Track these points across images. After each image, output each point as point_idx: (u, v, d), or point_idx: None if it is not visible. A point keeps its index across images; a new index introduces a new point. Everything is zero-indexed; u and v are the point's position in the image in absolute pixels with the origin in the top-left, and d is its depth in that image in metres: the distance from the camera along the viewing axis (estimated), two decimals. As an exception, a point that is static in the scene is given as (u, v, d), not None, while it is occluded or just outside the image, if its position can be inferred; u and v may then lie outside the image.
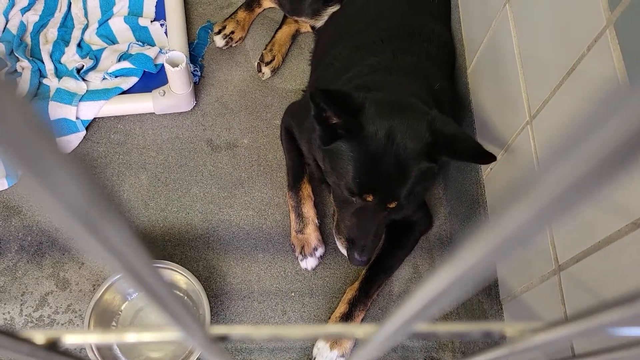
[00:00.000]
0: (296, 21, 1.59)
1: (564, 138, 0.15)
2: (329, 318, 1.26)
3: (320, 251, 1.30)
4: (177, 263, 1.22)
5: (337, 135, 0.97)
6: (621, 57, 0.71)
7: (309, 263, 1.30)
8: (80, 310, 1.25)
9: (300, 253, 1.30)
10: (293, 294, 1.30)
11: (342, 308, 1.24)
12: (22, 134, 0.14)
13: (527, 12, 0.98)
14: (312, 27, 1.59)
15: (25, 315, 1.24)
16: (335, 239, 1.16)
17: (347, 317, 1.23)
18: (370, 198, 1.01)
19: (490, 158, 0.93)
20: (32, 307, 1.25)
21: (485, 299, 1.17)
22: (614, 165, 0.14)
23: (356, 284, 1.26)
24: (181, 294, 1.24)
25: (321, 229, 1.33)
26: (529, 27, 0.97)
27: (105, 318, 1.19)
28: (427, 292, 0.21)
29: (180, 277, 1.21)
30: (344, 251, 1.14)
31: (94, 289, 1.26)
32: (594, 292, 0.79)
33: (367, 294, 1.25)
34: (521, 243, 0.18)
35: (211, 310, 1.18)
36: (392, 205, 1.02)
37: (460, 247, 0.18)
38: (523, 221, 0.17)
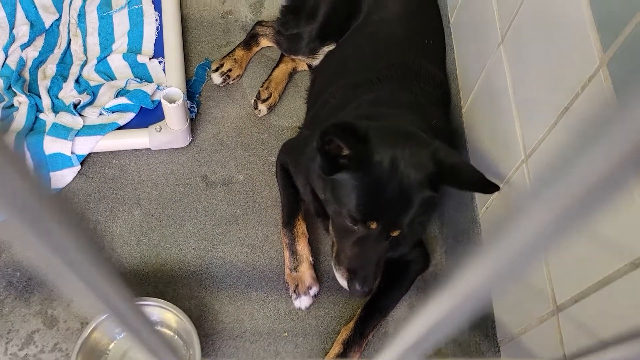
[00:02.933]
0: (293, 60, 1.61)
1: (554, 167, 0.14)
2: (323, 359, 1.23)
3: (314, 290, 1.28)
4: (169, 301, 1.20)
5: (339, 165, 0.97)
6: (615, 97, 0.71)
7: (303, 302, 1.27)
8: (67, 349, 1.22)
9: (294, 292, 1.27)
10: (286, 334, 1.27)
11: (336, 349, 1.21)
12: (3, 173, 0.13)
13: (520, 53, 0.99)
14: (309, 66, 1.61)
15: (10, 354, 1.20)
16: (335, 271, 1.13)
17: (341, 358, 1.20)
18: (374, 226, 0.99)
19: (493, 188, 0.93)
20: (18, 346, 1.21)
21: (483, 340, 1.15)
22: (602, 192, 0.14)
23: (351, 324, 1.23)
24: (171, 333, 1.21)
25: (316, 267, 1.31)
26: (523, 67, 0.98)
27: (92, 358, 1.16)
28: (421, 323, 0.20)
29: (171, 315, 1.18)
30: (343, 283, 1.11)
31: (82, 328, 1.22)
32: (593, 333, 0.77)
33: (362, 334, 1.22)
34: (514, 272, 0.17)
35: (202, 350, 1.15)
36: (395, 233, 1.01)
37: (453, 277, 0.17)
38: (515, 251, 0.16)
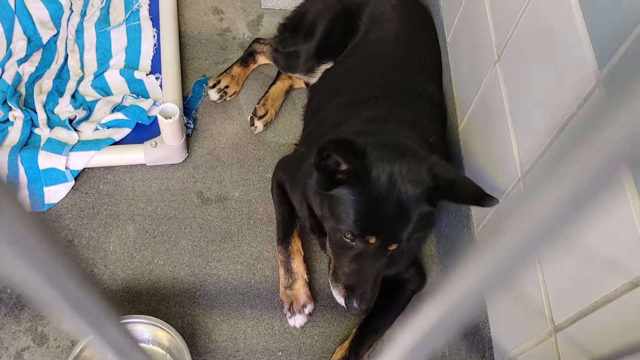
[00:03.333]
0: (290, 77, 1.62)
1: (544, 169, 0.14)
2: (318, 379, 1.21)
3: (309, 308, 1.26)
4: (162, 318, 1.18)
5: (337, 181, 0.97)
6: (611, 115, 0.71)
7: (298, 320, 1.26)
8: (56, 367, 1.19)
9: (289, 310, 1.26)
10: (280, 353, 1.25)
11: (331, 369, 1.20)
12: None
13: (516, 71, 1.00)
14: (306, 84, 1.62)
15: (-1, 372, 1.18)
16: (332, 288, 1.11)
17: (336, 379, 1.18)
18: (372, 240, 0.99)
19: (492, 201, 0.93)
20: (7, 364, 1.19)
21: (480, 361, 1.13)
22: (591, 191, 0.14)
23: (346, 344, 1.22)
24: (163, 351, 1.19)
25: (311, 285, 1.30)
26: (519, 86, 0.99)
27: (82, 376, 1.14)
28: (415, 328, 0.19)
29: (163, 333, 1.17)
30: (341, 300, 1.09)
31: (72, 346, 1.20)
32: (592, 354, 0.76)
33: (357, 354, 1.20)
34: (505, 277, 0.17)
35: (194, 369, 1.13)
36: (393, 247, 1.00)
37: (445, 283, 0.16)
38: (506, 254, 0.15)
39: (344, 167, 0.95)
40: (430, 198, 0.96)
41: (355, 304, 1.05)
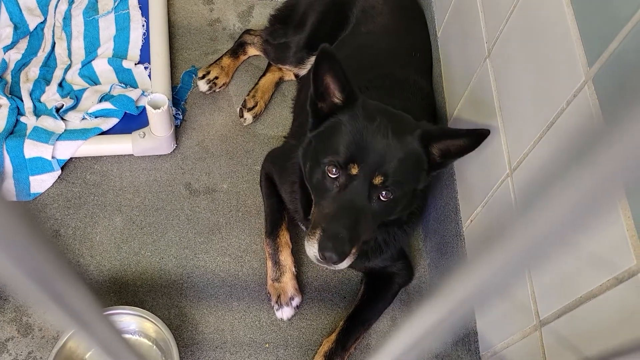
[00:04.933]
0: (280, 69, 1.61)
1: (539, 184, 0.14)
2: (304, 372, 1.21)
3: (296, 301, 1.26)
4: (148, 309, 1.17)
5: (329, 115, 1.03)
6: (600, 112, 0.72)
7: (285, 313, 1.26)
8: (41, 358, 1.18)
9: (276, 302, 1.26)
10: (267, 345, 1.25)
11: (317, 361, 1.20)
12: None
13: (507, 67, 1.00)
14: (296, 75, 1.61)
15: (-18, 363, 1.17)
16: (306, 244, 1.01)
17: (323, 371, 1.18)
18: (355, 170, 0.97)
19: (483, 132, 0.99)
20: (-10, 354, 1.18)
21: (465, 354, 1.14)
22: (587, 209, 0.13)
23: (333, 336, 1.22)
24: (150, 343, 1.19)
25: (298, 278, 1.30)
26: (509, 81, 0.99)
27: (67, 367, 1.13)
28: (404, 337, 0.19)
29: (149, 324, 1.16)
30: (314, 251, 0.97)
31: (58, 336, 1.19)
32: (576, 349, 0.77)
33: (344, 347, 1.21)
34: (497, 289, 0.17)
35: (181, 361, 1.13)
36: (378, 180, 0.97)
37: (436, 294, 0.16)
38: (498, 266, 0.15)
39: (337, 100, 1.01)
40: (421, 138, 1.00)
41: (330, 244, 0.94)
